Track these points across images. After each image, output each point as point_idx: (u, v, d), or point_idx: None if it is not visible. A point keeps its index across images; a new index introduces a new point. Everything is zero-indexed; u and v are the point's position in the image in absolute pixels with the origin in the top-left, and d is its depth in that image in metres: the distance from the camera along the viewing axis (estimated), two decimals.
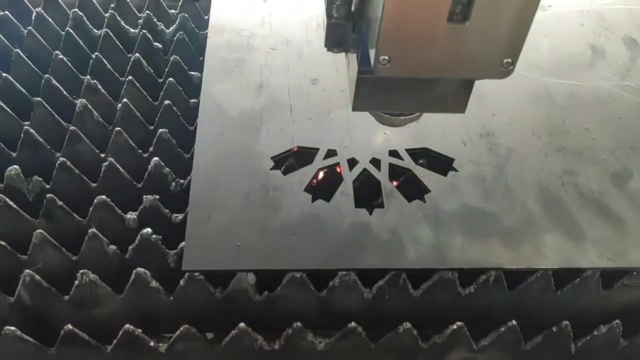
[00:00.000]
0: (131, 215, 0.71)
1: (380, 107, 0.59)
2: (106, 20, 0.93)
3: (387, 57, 0.46)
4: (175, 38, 0.90)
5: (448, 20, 0.44)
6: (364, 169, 0.72)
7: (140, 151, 0.77)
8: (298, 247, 0.66)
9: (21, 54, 0.85)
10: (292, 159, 0.73)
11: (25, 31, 0.89)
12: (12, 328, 0.59)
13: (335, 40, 0.51)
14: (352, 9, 0.50)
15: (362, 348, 0.63)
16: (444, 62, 0.47)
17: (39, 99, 0.78)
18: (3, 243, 0.66)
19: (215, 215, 0.68)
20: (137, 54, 0.86)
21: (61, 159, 0.72)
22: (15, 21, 0.91)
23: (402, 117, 0.60)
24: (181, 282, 0.65)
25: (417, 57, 0.47)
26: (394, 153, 0.74)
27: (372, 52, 0.47)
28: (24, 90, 0.82)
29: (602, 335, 0.65)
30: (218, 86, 0.81)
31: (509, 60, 0.47)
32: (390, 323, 0.63)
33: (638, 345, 0.66)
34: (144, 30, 0.90)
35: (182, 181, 0.75)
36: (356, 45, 0.52)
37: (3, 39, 0.88)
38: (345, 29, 0.51)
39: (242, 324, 0.62)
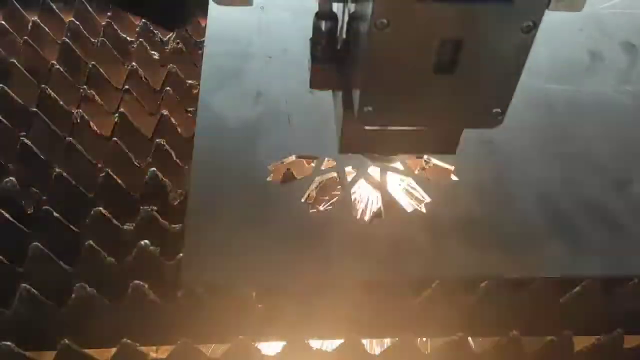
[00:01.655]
0: (128, 227, 0.71)
1: (368, 149, 0.58)
2: (102, 29, 0.92)
3: (370, 108, 0.44)
4: (172, 47, 0.90)
5: (434, 72, 0.42)
6: (363, 178, 0.72)
7: (137, 162, 0.77)
8: (296, 257, 0.65)
9: (17, 63, 0.84)
10: (290, 169, 0.72)
11: (22, 40, 0.88)
12: (8, 343, 0.59)
13: (320, 81, 0.50)
14: (338, 47, 0.49)
15: None
16: (430, 113, 0.46)
17: (35, 109, 0.78)
18: None
19: (214, 226, 0.67)
20: (134, 64, 0.85)
21: (58, 170, 0.72)
22: (12, 31, 0.91)
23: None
24: (179, 293, 0.64)
25: (402, 108, 0.45)
26: (392, 162, 0.74)
27: (355, 101, 0.45)
28: (20, 101, 0.81)
29: None
30: (215, 95, 0.81)
31: (498, 110, 0.45)
32: None
33: None
34: (140, 39, 0.90)
35: (180, 191, 0.74)
36: (342, 86, 0.50)
37: None
38: (329, 70, 0.49)
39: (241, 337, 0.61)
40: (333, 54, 0.48)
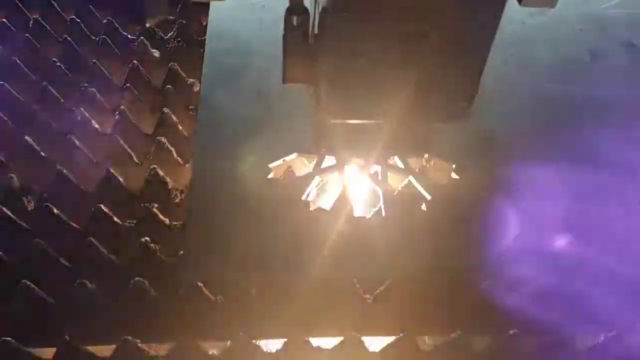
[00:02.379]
0: (129, 224, 0.71)
1: (345, 148, 0.58)
2: (104, 27, 0.92)
3: (338, 100, 0.46)
4: (173, 45, 0.90)
5: (399, 65, 0.43)
6: (364, 177, 0.72)
7: (138, 159, 0.77)
8: (297, 253, 0.65)
9: (18, 61, 0.84)
10: (291, 167, 0.72)
11: (24, 39, 0.88)
12: (9, 338, 0.59)
13: (292, 76, 0.50)
14: (311, 44, 0.49)
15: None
16: (396, 106, 0.47)
17: (36, 106, 0.78)
18: (0, 253, 0.66)
19: (214, 223, 0.67)
20: (135, 62, 0.85)
21: (59, 167, 0.72)
22: (13, 29, 0.91)
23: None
24: (180, 290, 0.64)
25: (370, 104, 0.47)
26: (392, 160, 0.74)
27: (323, 94, 0.46)
28: (21, 98, 0.81)
29: None
30: (216, 93, 0.81)
31: (465, 104, 0.47)
32: None
33: None
34: (142, 38, 0.90)
35: (180, 189, 0.74)
36: (314, 80, 0.50)
37: (1, 46, 0.87)
38: (302, 65, 0.50)
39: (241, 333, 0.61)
40: (305, 50, 0.48)
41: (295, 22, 0.47)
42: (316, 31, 0.47)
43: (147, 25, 0.88)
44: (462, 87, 0.44)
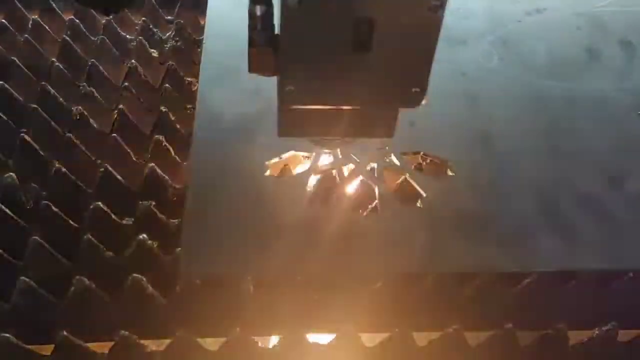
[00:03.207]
0: (127, 221, 0.71)
1: (306, 134, 0.59)
2: (102, 27, 0.93)
3: (292, 87, 0.45)
4: (171, 45, 0.90)
5: (351, 51, 0.43)
6: (359, 174, 0.72)
7: (136, 158, 0.77)
8: (294, 251, 0.66)
9: (17, 61, 0.85)
10: (288, 164, 0.73)
11: (22, 38, 0.89)
12: (7, 335, 0.59)
13: (257, 65, 0.50)
14: (275, 33, 0.49)
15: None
16: (350, 93, 0.47)
17: (35, 105, 0.78)
18: None
19: (212, 220, 0.68)
20: (133, 61, 0.86)
21: (57, 165, 0.72)
22: (12, 29, 0.91)
23: (336, 140, 0.61)
24: (177, 287, 0.65)
25: (323, 88, 0.46)
26: (389, 157, 0.74)
27: (277, 81, 0.46)
28: (20, 98, 0.82)
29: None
30: (214, 92, 0.81)
31: (417, 89, 0.46)
32: None
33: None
34: (140, 37, 0.91)
35: (178, 187, 0.75)
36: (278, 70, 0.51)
37: None
38: (267, 54, 0.50)
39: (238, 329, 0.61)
40: (269, 38, 0.49)
41: (258, 12, 0.47)
42: (279, 20, 0.48)
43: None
44: (413, 72, 0.45)
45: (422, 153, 0.75)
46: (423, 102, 0.48)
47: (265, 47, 0.49)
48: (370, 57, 0.44)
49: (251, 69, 0.51)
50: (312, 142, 0.64)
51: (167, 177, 0.75)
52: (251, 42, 0.49)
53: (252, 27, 0.48)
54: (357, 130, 0.55)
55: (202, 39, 0.91)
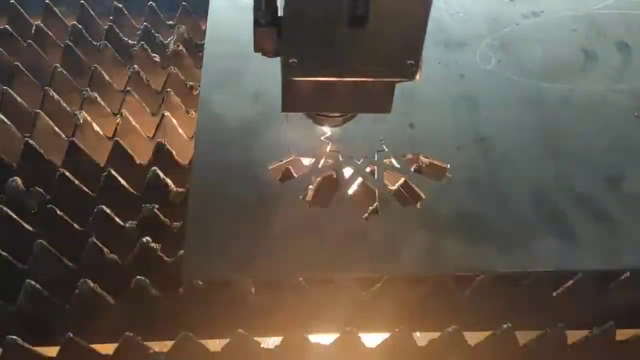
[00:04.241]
0: (130, 225, 0.72)
1: (308, 108, 0.61)
2: (105, 32, 0.94)
3: (295, 60, 0.48)
4: (173, 49, 0.91)
5: (348, 25, 0.46)
6: (360, 176, 0.73)
7: (139, 161, 0.78)
8: (295, 253, 0.66)
9: (21, 66, 0.86)
10: (289, 167, 0.74)
11: (25, 44, 0.90)
12: (14, 337, 0.60)
13: (262, 45, 0.52)
14: (279, 14, 0.51)
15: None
16: (350, 64, 0.50)
17: (38, 110, 0.79)
18: (4, 253, 0.67)
19: (214, 223, 0.68)
20: (135, 66, 0.87)
21: (61, 169, 0.73)
22: (15, 34, 0.92)
23: (336, 117, 0.63)
24: (180, 289, 0.65)
25: (323, 60, 0.49)
26: (388, 160, 0.75)
27: (282, 53, 0.49)
28: (24, 103, 0.83)
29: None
30: (215, 95, 0.82)
31: (411, 61, 0.49)
32: None
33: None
34: (142, 42, 0.92)
35: (180, 190, 0.76)
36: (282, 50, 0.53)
37: (3, 51, 0.89)
38: (271, 34, 0.52)
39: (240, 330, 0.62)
40: (274, 19, 0.51)
41: None
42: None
43: None
44: (407, 44, 0.48)
45: (421, 155, 0.76)
46: (417, 77, 0.50)
47: (268, 26, 0.50)
48: (367, 31, 0.47)
49: (256, 48, 0.53)
50: (313, 120, 0.65)
51: (169, 180, 0.75)
52: (256, 22, 0.51)
53: (256, 8, 0.50)
54: (356, 104, 0.57)
55: (203, 43, 0.91)
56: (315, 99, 0.56)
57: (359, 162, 0.74)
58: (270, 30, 0.51)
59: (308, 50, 0.48)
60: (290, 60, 0.48)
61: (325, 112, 0.62)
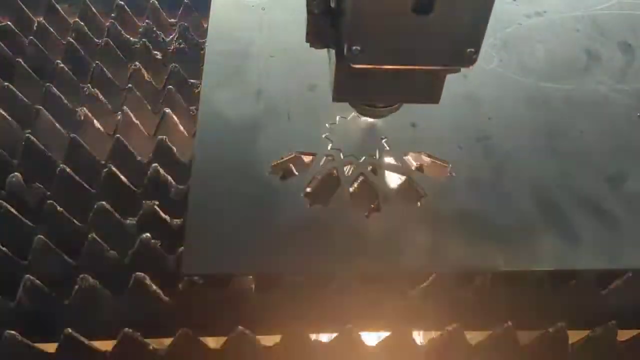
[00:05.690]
0: (130, 221, 0.72)
1: (358, 98, 0.61)
2: (107, 29, 0.94)
3: (358, 47, 0.48)
4: (174, 47, 0.91)
5: (413, 12, 0.46)
6: (361, 174, 0.73)
7: (139, 158, 0.78)
8: (296, 250, 0.66)
9: (22, 63, 0.86)
10: (290, 165, 0.74)
11: (27, 40, 0.90)
12: (13, 332, 0.60)
13: (316, 35, 0.53)
14: (332, 4, 0.51)
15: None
16: (412, 52, 0.50)
17: (40, 106, 0.79)
18: (4, 249, 0.67)
19: (214, 220, 0.68)
20: (137, 63, 0.87)
21: (62, 166, 0.73)
22: (17, 31, 0.92)
23: (382, 108, 0.63)
24: (180, 285, 0.65)
25: (386, 47, 0.49)
26: (390, 158, 0.75)
27: (345, 42, 0.49)
28: (25, 99, 0.83)
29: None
30: (217, 93, 0.82)
31: (472, 49, 0.49)
32: None
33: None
34: (144, 40, 0.92)
35: (181, 187, 0.76)
36: (335, 40, 0.53)
37: (5, 48, 0.89)
38: (325, 24, 0.52)
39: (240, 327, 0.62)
40: (328, 9, 0.51)
41: None
42: None
43: None
44: (470, 33, 0.49)
45: (423, 154, 0.76)
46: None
47: (323, 16, 0.51)
48: (429, 17, 0.47)
49: (308, 39, 0.53)
50: (359, 111, 0.66)
51: (169, 177, 0.75)
52: (310, 11, 0.51)
53: (310, 6, 0.51)
54: (406, 94, 0.58)
55: (205, 41, 0.91)
56: (367, 88, 0.57)
57: (360, 161, 0.74)
58: (325, 21, 0.51)
59: (372, 37, 0.48)
60: (354, 48, 0.48)
61: (376, 102, 0.62)
